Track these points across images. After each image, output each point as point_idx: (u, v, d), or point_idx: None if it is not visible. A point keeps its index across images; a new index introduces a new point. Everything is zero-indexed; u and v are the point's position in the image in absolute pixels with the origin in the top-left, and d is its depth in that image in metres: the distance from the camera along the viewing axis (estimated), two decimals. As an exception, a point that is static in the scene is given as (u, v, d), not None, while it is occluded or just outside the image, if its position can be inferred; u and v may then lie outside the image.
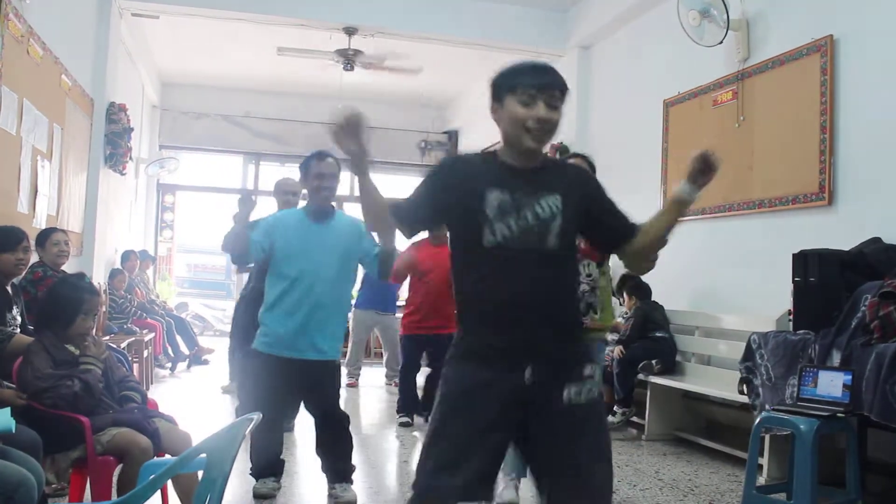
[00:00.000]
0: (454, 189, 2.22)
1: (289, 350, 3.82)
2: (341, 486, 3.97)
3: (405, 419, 6.18)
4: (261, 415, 2.10)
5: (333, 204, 4.05)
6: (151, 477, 1.79)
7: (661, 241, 2.34)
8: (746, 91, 5.63)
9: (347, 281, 4.04)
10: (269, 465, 4.02)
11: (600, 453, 2.19)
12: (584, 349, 2.32)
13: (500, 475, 3.70)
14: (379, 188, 2.27)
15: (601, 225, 2.32)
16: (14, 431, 2.23)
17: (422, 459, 2.21)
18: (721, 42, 5.61)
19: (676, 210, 2.32)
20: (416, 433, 5.84)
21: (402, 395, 6.34)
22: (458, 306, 2.29)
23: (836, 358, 3.86)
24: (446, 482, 2.12)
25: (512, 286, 2.14)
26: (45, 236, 5.01)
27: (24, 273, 4.32)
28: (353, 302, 7.31)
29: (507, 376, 2.14)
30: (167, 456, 3.16)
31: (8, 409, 2.27)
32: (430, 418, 2.26)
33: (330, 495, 3.98)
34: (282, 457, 4.10)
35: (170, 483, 3.11)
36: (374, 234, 2.56)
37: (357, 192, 2.27)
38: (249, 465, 4.04)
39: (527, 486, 3.77)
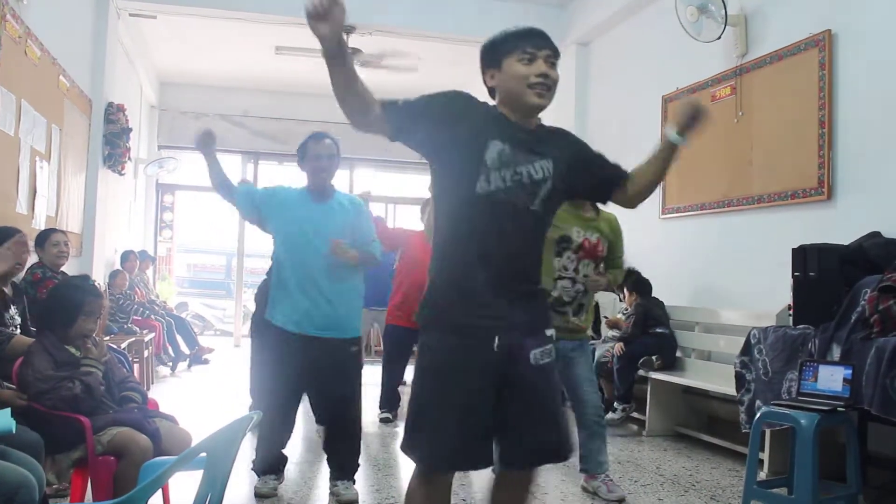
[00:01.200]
0: (458, 123, 2.23)
1: (301, 327, 3.81)
2: (343, 484, 3.94)
3: (385, 415, 6.11)
4: (260, 413, 2.14)
5: (333, 184, 4.05)
6: (153, 476, 1.79)
7: (654, 186, 2.49)
8: (745, 86, 5.63)
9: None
10: (272, 462, 3.99)
11: (549, 411, 2.31)
12: (545, 314, 2.41)
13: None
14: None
15: (593, 178, 2.44)
16: (14, 432, 2.22)
17: (415, 431, 2.26)
18: (719, 37, 5.60)
19: (669, 154, 2.42)
20: (399, 429, 5.83)
21: (383, 389, 6.20)
22: (434, 259, 2.34)
23: (836, 352, 3.86)
24: (448, 447, 2.19)
25: (491, 237, 2.22)
26: (44, 237, 5.01)
27: (23, 273, 4.31)
28: None
29: (479, 344, 2.22)
30: (167, 456, 3.16)
31: (8, 410, 2.26)
32: (412, 388, 2.30)
33: (332, 493, 3.95)
34: (284, 451, 4.07)
35: (170, 482, 3.11)
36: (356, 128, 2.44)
37: (334, 88, 2.18)
38: (252, 459, 4.03)
39: None
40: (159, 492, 2.95)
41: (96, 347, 3.26)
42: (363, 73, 8.27)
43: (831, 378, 3.71)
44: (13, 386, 3.24)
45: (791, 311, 4.42)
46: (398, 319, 5.98)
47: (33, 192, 5.51)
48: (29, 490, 2.02)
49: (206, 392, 7.53)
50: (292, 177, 12.64)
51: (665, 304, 6.07)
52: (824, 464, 3.57)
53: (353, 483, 3.98)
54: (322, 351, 3.82)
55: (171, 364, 8.82)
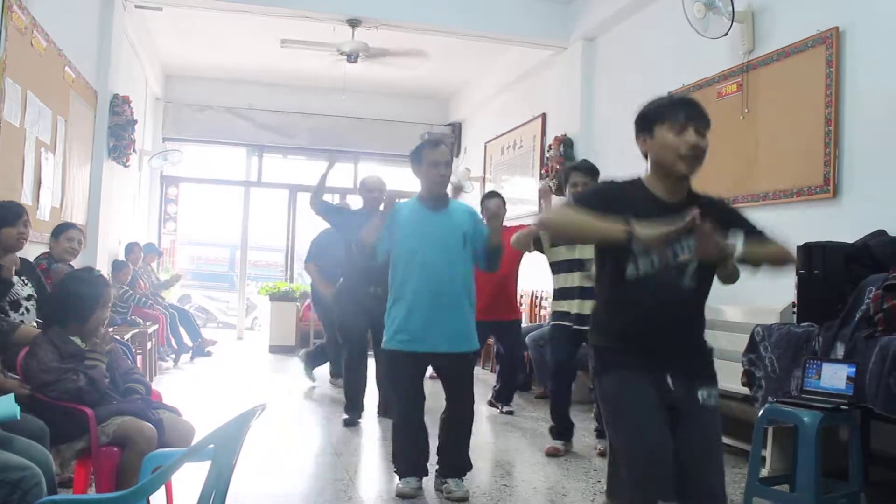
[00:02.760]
0: (606, 214, 2.31)
1: (420, 344, 3.88)
2: (454, 482, 3.99)
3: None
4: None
5: (448, 192, 4.09)
6: (161, 467, 1.79)
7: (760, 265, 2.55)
8: (751, 83, 5.61)
9: (468, 268, 4.03)
10: (413, 465, 4.03)
11: (717, 451, 2.43)
12: (709, 361, 2.54)
13: None
14: None
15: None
16: (18, 418, 2.23)
17: (616, 472, 2.45)
18: (726, 34, 5.58)
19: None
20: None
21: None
22: (599, 321, 2.53)
23: (840, 350, 3.85)
24: (654, 486, 2.29)
25: (648, 315, 2.36)
26: (61, 230, 5.07)
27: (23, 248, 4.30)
28: None
29: (654, 383, 2.35)
30: (169, 447, 3.16)
31: (11, 396, 2.27)
32: (607, 432, 2.49)
33: (442, 490, 3.99)
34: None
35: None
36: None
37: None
38: (393, 464, 4.10)
39: None
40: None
41: (103, 340, 3.27)
42: (368, 67, 8.22)
43: (835, 376, 3.71)
44: (17, 376, 3.25)
45: (795, 309, 4.41)
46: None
47: (38, 184, 5.52)
48: (32, 477, 2.03)
49: (209, 384, 7.54)
50: (295, 170, 12.70)
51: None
52: (826, 461, 3.57)
53: (463, 481, 4.03)
54: (445, 362, 3.97)
55: (173, 356, 8.84)
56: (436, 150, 3.97)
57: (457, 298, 3.94)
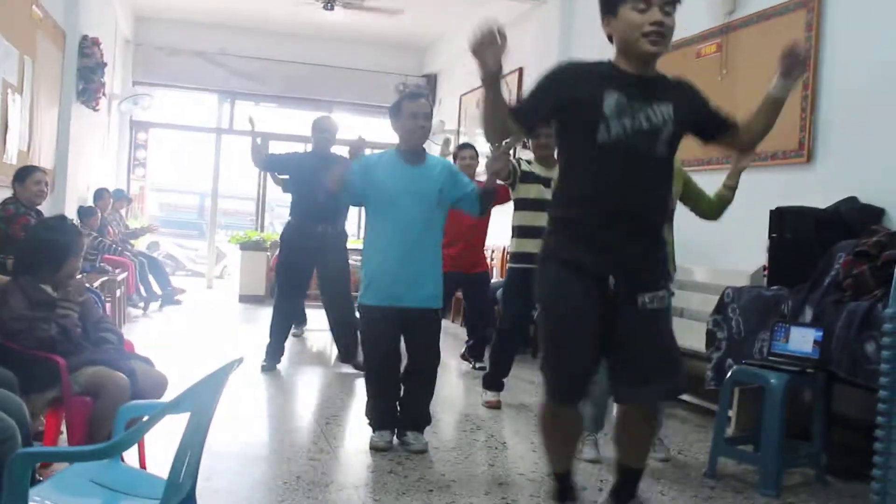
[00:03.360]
0: (572, 87, 2.36)
1: (389, 299, 3.88)
2: (413, 435, 4.02)
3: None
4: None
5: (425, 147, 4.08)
6: (136, 420, 1.78)
7: (765, 133, 2.71)
8: (731, 44, 5.60)
9: (440, 225, 4.04)
10: (387, 418, 4.04)
11: (666, 336, 2.54)
12: (663, 265, 2.57)
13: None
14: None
15: (709, 126, 2.62)
16: (-8, 371, 2.20)
17: (543, 365, 2.53)
18: (707, -6, 5.56)
19: (772, 108, 2.63)
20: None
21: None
22: (559, 196, 2.53)
23: (809, 314, 3.91)
24: (569, 379, 2.47)
25: (617, 184, 2.35)
26: (26, 173, 4.95)
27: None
28: None
29: (594, 280, 2.39)
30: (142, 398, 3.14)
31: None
32: (539, 323, 2.57)
33: (402, 443, 4.02)
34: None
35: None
36: (488, 142, 2.77)
37: (482, 104, 2.40)
38: (366, 416, 4.10)
39: (606, 444, 3.87)
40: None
41: (76, 288, 3.23)
42: (345, 14, 8.14)
43: (802, 339, 3.77)
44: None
45: (766, 273, 4.47)
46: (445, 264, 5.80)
47: (5, 127, 5.39)
48: (7, 430, 2.01)
49: (180, 333, 7.51)
50: (268, 118, 12.54)
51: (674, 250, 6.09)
52: (789, 422, 3.65)
53: (422, 434, 4.06)
54: (414, 316, 3.93)
55: (143, 304, 8.77)
56: (415, 102, 3.96)
57: (429, 253, 3.95)
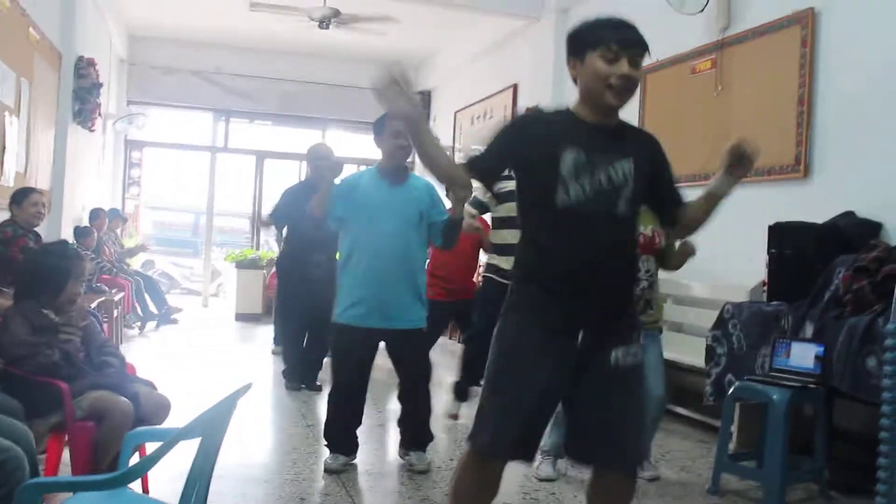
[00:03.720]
0: (529, 144, 2.23)
1: (373, 320, 3.82)
2: (416, 454, 4.00)
3: None
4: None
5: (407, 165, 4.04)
6: (139, 447, 1.77)
7: (700, 225, 2.51)
8: (725, 60, 5.64)
9: (422, 244, 3.98)
10: (344, 441, 4.01)
11: (633, 414, 2.32)
12: (633, 320, 2.40)
13: (539, 453, 3.78)
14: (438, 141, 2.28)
15: (661, 193, 2.41)
16: (-2, 399, 2.20)
17: (479, 412, 2.32)
18: (702, 10, 5.60)
19: (712, 202, 2.43)
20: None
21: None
22: (522, 258, 2.35)
23: (809, 330, 3.92)
24: (501, 439, 2.24)
25: (581, 248, 2.21)
26: (23, 195, 4.96)
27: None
28: None
29: (561, 338, 2.23)
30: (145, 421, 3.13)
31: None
32: (486, 372, 2.34)
33: (404, 461, 4.02)
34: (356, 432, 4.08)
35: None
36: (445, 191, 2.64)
37: (417, 149, 2.25)
38: (324, 439, 4.06)
39: (563, 465, 3.92)
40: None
41: (78, 313, 3.22)
42: (340, 33, 8.12)
43: (804, 355, 3.78)
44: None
45: (765, 288, 4.48)
46: (437, 293, 5.49)
47: (2, 148, 5.39)
48: (15, 459, 2.00)
49: (178, 353, 7.48)
50: (262, 136, 12.56)
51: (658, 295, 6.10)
52: (791, 438, 3.65)
53: (426, 453, 4.05)
54: (398, 337, 3.89)
55: (139, 324, 8.75)
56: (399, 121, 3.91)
57: (410, 274, 3.88)
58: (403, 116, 2.12)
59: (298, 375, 5.95)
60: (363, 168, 4.55)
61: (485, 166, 2.30)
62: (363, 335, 3.86)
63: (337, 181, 4.01)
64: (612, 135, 2.26)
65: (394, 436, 4.22)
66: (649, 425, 3.89)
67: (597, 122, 2.25)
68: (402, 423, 4.10)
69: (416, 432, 4.07)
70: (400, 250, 3.82)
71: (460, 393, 5.18)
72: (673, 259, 3.96)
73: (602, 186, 2.19)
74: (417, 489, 3.72)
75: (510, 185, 4.90)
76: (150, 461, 1.76)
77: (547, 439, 3.90)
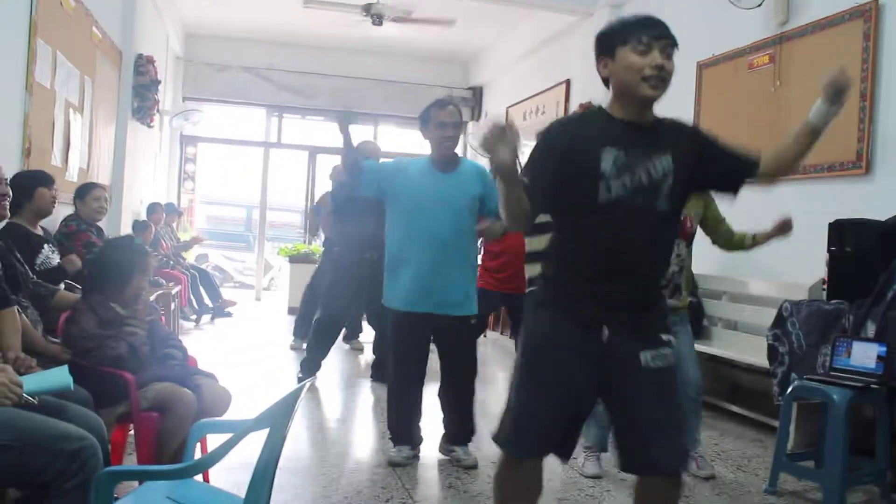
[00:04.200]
0: (567, 152, 2.22)
1: (418, 305, 3.84)
2: (462, 449, 4.01)
3: None
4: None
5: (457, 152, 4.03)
6: (227, 438, 1.82)
7: (797, 163, 2.44)
8: (784, 55, 5.54)
9: (472, 232, 3.95)
10: (409, 433, 4.03)
11: (670, 415, 2.27)
12: (662, 318, 2.38)
13: (582, 448, 3.82)
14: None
15: (722, 168, 2.38)
16: (72, 389, 2.26)
17: (506, 410, 2.33)
18: (760, 4, 5.52)
19: (812, 137, 2.37)
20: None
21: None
22: (557, 255, 2.34)
23: (871, 329, 3.85)
24: (527, 436, 2.26)
25: (622, 244, 2.21)
26: (86, 191, 5.08)
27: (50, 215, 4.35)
28: None
29: (585, 331, 2.24)
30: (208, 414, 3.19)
31: (65, 367, 2.30)
32: (514, 369, 2.34)
33: (451, 458, 4.02)
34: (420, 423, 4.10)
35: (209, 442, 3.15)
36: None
37: (501, 197, 2.21)
38: (388, 431, 4.10)
39: (609, 460, 3.86)
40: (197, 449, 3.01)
41: (144, 307, 3.30)
42: (393, 28, 8.11)
43: (865, 355, 3.72)
44: (57, 340, 3.30)
45: (825, 286, 4.41)
46: (490, 283, 5.57)
47: (67, 145, 5.53)
48: (91, 448, 2.06)
49: (233, 345, 7.61)
50: (314, 132, 12.69)
51: (693, 271, 6.04)
52: (851, 438, 3.59)
53: (469, 447, 4.06)
54: (445, 324, 3.89)
55: (195, 317, 8.91)
56: (443, 111, 3.88)
57: (460, 261, 3.88)
58: (503, 166, 2.08)
59: (316, 369, 5.98)
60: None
61: (538, 191, 2.24)
62: (413, 320, 3.87)
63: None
64: (649, 131, 2.26)
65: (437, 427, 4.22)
66: (691, 416, 3.90)
67: (632, 119, 2.25)
68: (447, 416, 4.09)
69: (460, 427, 4.06)
70: (450, 237, 3.82)
71: None
72: (731, 243, 3.97)
73: (642, 183, 2.20)
74: (472, 482, 3.74)
75: None
76: (220, 452, 1.80)
77: (588, 434, 3.89)
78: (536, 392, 2.27)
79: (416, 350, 3.97)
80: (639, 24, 2.22)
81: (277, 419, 1.88)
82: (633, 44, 2.17)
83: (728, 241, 4.11)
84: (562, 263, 2.32)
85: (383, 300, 4.02)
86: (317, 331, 6.03)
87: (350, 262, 5.91)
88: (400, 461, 3.93)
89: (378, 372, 6.00)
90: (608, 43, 2.24)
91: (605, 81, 2.31)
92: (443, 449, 4.11)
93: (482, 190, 3.91)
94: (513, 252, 5.41)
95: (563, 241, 2.33)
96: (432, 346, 4.03)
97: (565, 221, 2.33)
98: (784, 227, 3.86)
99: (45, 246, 4.07)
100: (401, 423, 4.04)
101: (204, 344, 7.56)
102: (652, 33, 2.19)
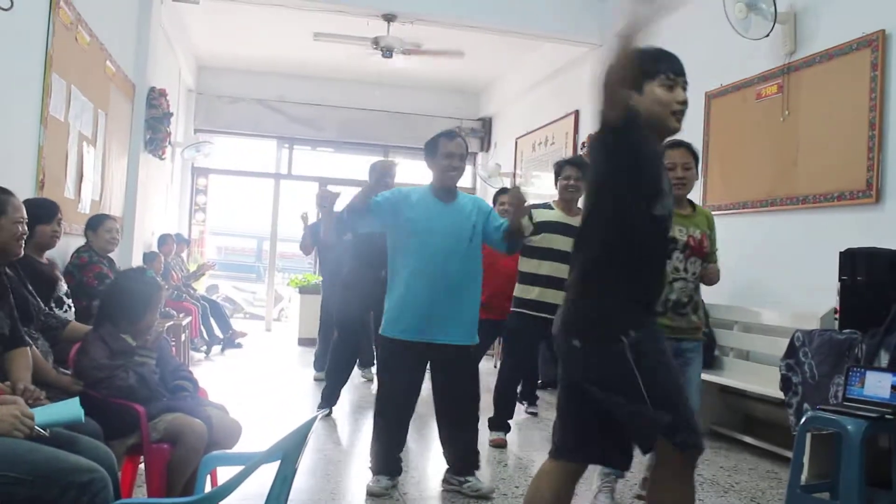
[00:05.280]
0: (647, 160, 2.31)
1: (416, 333, 3.82)
2: (475, 479, 3.96)
3: None
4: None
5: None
6: (238, 470, 1.81)
7: None
8: (792, 85, 5.57)
9: (475, 260, 3.96)
10: (387, 463, 3.98)
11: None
12: None
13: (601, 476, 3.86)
14: None
15: None
16: (83, 421, 2.26)
17: (670, 408, 2.26)
18: (767, 35, 5.54)
19: None
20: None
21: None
22: (607, 271, 2.33)
23: (885, 359, 3.83)
24: (695, 426, 2.29)
25: (661, 258, 2.42)
26: (98, 222, 5.11)
27: (55, 246, 4.36)
28: None
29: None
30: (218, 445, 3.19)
31: (77, 399, 2.30)
32: (645, 375, 2.25)
33: (461, 489, 3.95)
34: (400, 454, 4.05)
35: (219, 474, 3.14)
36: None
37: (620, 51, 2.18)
38: (369, 459, 4.04)
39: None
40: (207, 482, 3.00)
41: (154, 338, 3.31)
42: (401, 60, 8.13)
43: (879, 385, 3.68)
44: (68, 371, 3.30)
45: (837, 315, 4.39)
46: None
47: (80, 177, 5.58)
48: (101, 480, 2.05)
49: (243, 376, 7.61)
50: (324, 163, 12.75)
51: (704, 301, 6.03)
52: (866, 470, 3.55)
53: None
54: (444, 355, 3.87)
55: (205, 348, 8.92)
56: (452, 142, 3.91)
57: (460, 290, 3.87)
58: (641, 18, 2.15)
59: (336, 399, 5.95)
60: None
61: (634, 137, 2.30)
62: (409, 349, 3.85)
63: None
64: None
65: (434, 462, 4.16)
66: None
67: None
68: (453, 448, 4.03)
69: (468, 456, 4.00)
70: (452, 265, 3.82)
71: (501, 425, 5.20)
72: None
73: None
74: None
75: (546, 214, 4.94)
76: (232, 484, 1.79)
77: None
78: (682, 401, 2.30)
79: (405, 379, 3.94)
80: (663, 59, 2.34)
81: (289, 451, 1.88)
82: (661, 79, 2.30)
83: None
84: (621, 280, 2.31)
85: (381, 328, 3.99)
86: (334, 356, 6.00)
87: (365, 279, 5.90)
88: (379, 491, 3.88)
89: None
90: (636, 77, 2.31)
91: None
92: (449, 480, 4.04)
93: (481, 219, 3.95)
94: (507, 274, 5.36)
95: (620, 254, 2.32)
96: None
97: (618, 232, 2.32)
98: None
99: (62, 284, 4.09)
100: (386, 453, 3.98)
101: (214, 375, 7.56)
102: (676, 69, 2.33)
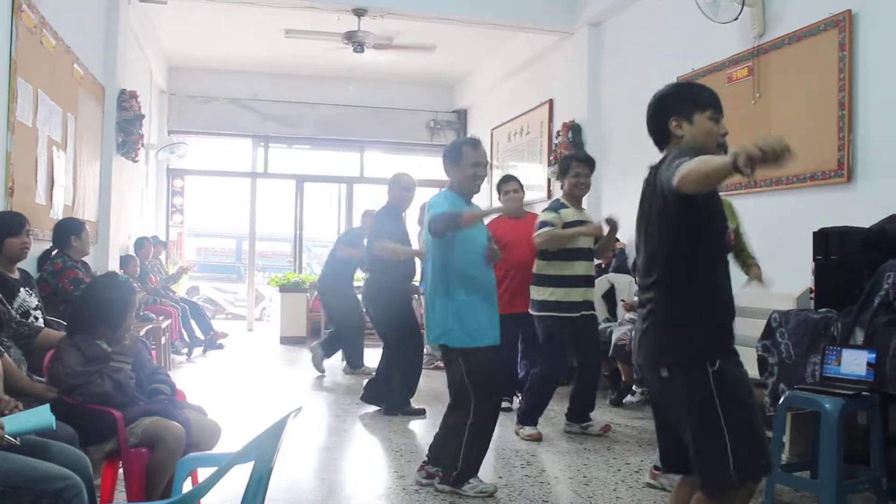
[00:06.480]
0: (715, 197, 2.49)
1: (496, 337, 3.93)
2: (478, 479, 3.93)
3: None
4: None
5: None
6: (212, 471, 1.80)
7: None
8: (762, 67, 5.59)
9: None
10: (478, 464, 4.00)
11: None
12: None
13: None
14: None
15: None
16: (55, 428, 2.24)
17: (744, 442, 2.33)
18: (736, 18, 5.56)
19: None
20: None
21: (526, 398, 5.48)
22: (695, 297, 2.44)
23: (860, 336, 3.85)
24: (766, 456, 2.39)
25: (727, 279, 2.52)
26: (79, 228, 5.10)
27: (27, 256, 4.32)
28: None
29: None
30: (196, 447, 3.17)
31: (48, 406, 2.28)
32: (728, 405, 2.34)
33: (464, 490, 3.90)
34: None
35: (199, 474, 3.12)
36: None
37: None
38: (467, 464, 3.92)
39: None
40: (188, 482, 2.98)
41: (131, 342, 3.28)
42: (374, 55, 8.07)
43: (855, 362, 3.72)
44: (42, 379, 3.27)
45: (812, 295, 4.42)
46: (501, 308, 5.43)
47: (51, 183, 5.52)
48: (74, 487, 2.04)
49: (225, 377, 7.57)
50: (300, 160, 12.70)
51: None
52: (845, 447, 3.58)
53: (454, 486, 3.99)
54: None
55: (186, 350, 8.87)
56: (477, 151, 3.95)
57: (493, 286, 4.03)
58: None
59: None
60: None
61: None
62: (500, 353, 3.99)
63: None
64: None
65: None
66: None
67: None
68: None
69: (447, 462, 3.98)
70: (489, 267, 3.99)
71: (530, 420, 5.22)
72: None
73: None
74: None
75: (569, 214, 4.96)
76: (206, 486, 1.78)
77: None
78: (756, 422, 2.40)
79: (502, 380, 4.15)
80: (709, 94, 2.54)
81: (263, 451, 1.87)
82: (710, 112, 2.49)
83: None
84: (706, 300, 2.45)
85: (471, 341, 3.86)
86: (396, 370, 5.92)
87: (407, 289, 6.08)
88: (493, 490, 3.90)
89: (372, 394, 5.99)
90: (686, 106, 2.51)
91: (666, 135, 2.54)
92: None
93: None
94: (519, 267, 5.46)
95: (701, 280, 2.45)
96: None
97: (698, 261, 2.45)
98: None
99: (21, 290, 4.04)
100: (482, 456, 4.00)
101: (196, 377, 7.52)
102: (720, 108, 2.52)
